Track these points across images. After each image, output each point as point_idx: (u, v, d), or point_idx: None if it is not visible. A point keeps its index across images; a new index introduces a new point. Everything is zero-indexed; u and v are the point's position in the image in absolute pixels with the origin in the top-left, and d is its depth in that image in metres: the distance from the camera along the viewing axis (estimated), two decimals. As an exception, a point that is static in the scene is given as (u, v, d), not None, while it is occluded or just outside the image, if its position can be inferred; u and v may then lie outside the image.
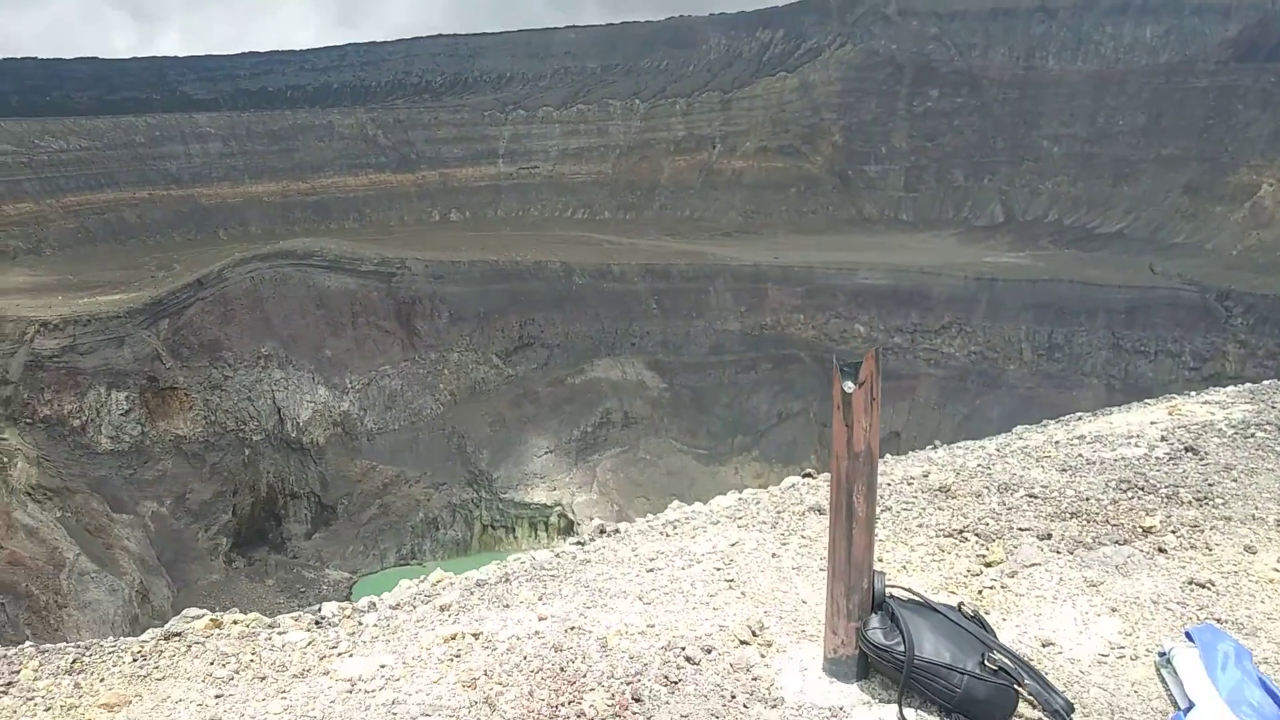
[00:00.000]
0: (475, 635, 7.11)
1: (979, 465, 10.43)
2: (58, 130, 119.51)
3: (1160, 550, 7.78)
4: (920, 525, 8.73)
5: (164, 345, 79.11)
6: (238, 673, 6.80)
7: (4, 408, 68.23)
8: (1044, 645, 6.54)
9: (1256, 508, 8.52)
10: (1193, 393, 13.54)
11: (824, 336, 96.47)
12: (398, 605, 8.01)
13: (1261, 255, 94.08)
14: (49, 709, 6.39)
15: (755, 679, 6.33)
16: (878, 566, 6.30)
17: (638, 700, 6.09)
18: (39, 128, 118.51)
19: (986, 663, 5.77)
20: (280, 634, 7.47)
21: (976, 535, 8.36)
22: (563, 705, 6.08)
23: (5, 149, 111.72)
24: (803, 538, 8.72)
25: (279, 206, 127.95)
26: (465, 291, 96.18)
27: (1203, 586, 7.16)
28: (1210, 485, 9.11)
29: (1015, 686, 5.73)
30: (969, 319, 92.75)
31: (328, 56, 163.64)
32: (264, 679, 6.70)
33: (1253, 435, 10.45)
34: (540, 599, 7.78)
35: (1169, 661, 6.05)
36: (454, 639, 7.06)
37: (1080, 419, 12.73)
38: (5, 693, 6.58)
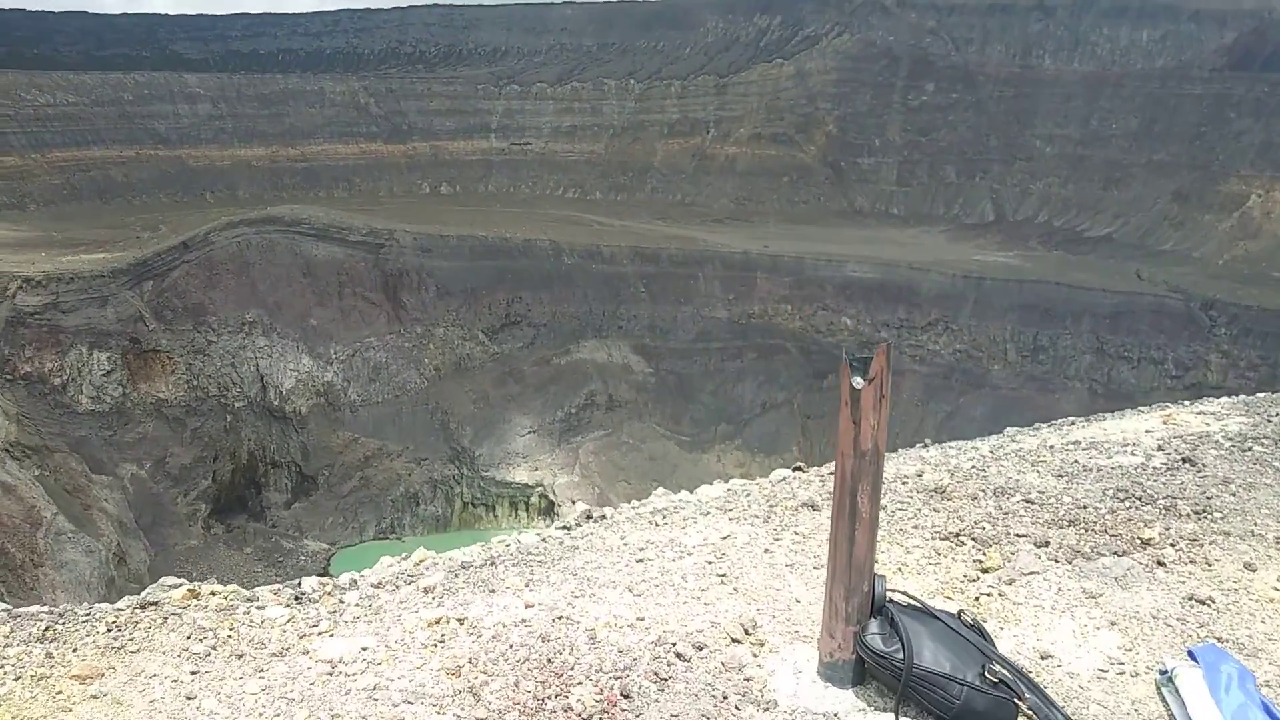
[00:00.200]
0: (460, 620, 6.95)
1: (973, 467, 10.32)
2: (45, 84, 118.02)
3: (1159, 563, 7.69)
4: (915, 527, 8.61)
5: (147, 307, 78.39)
6: (215, 648, 6.63)
7: (-17, 363, 67.59)
8: (1042, 657, 6.42)
9: (1255, 524, 8.44)
10: (1186, 402, 13.49)
11: (811, 328, 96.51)
12: (380, 584, 7.83)
13: (1247, 266, 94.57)
14: (19, 678, 6.20)
15: (748, 680, 6.18)
16: (875, 569, 6.16)
17: (626, 696, 5.95)
18: (25, 80, 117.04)
19: (987, 674, 5.63)
20: (259, 608, 7.30)
21: (973, 540, 8.24)
22: (549, 699, 5.92)
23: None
24: (796, 534, 8.58)
25: (267, 172, 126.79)
26: (453, 266, 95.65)
27: (1203, 603, 7.06)
28: (1209, 498, 9.02)
29: (1015, 700, 5.59)
30: (956, 317, 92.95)
31: (321, 21, 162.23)
32: (242, 656, 6.53)
33: (1250, 449, 10.38)
34: (527, 585, 7.62)
35: (1171, 680, 5.94)
36: (438, 623, 6.90)
37: (1073, 424, 12.64)
38: (-26, 660, 6.38)
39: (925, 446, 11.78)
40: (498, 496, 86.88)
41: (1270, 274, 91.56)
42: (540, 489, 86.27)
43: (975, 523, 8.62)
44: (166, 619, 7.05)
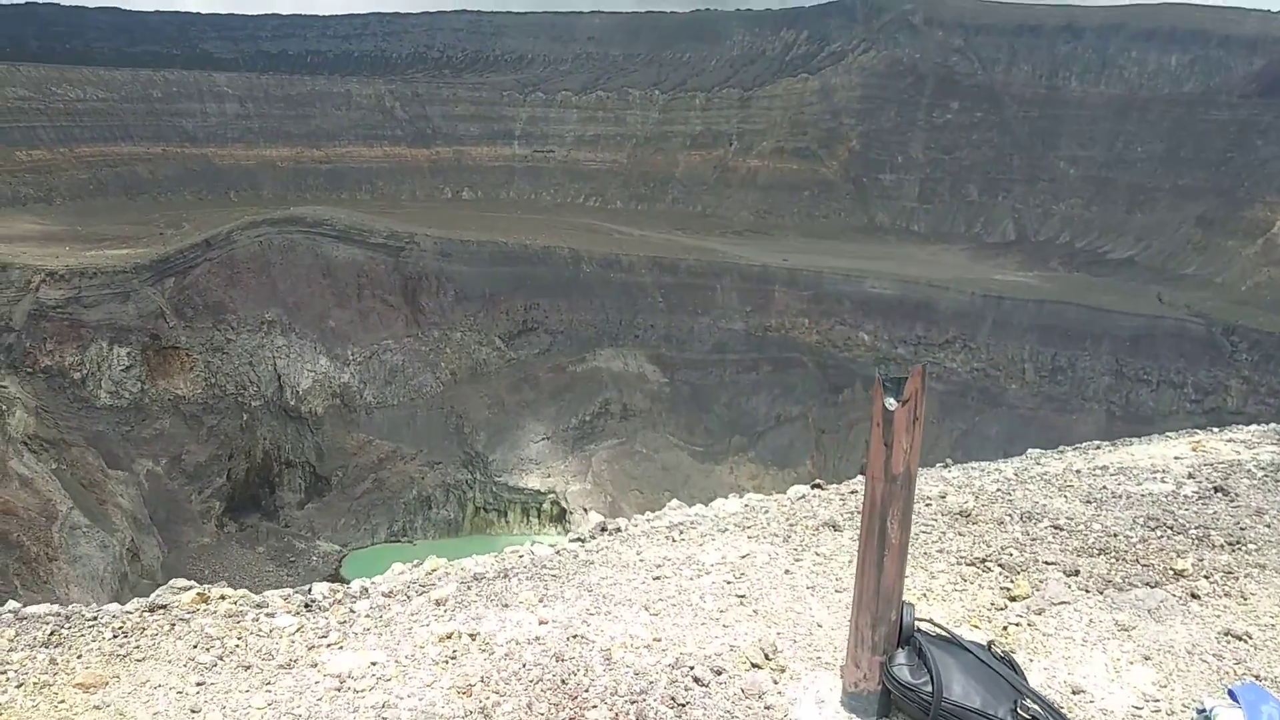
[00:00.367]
0: (472, 636, 6.78)
1: (998, 490, 10.08)
2: (75, 79, 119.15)
3: (1193, 596, 7.43)
4: (941, 551, 8.38)
5: (168, 304, 78.76)
6: (222, 659, 6.50)
7: (5, 355, 67.94)
8: (1074, 692, 6.18)
9: (1292, 557, 8.17)
10: (1215, 429, 13.21)
11: (828, 342, 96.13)
12: (391, 593, 7.69)
13: (1270, 292, 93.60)
14: (21, 685, 6.07)
15: (768, 708, 5.97)
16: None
17: (642, 721, 5.75)
18: (57, 75, 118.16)
19: (1019, 710, 5.39)
20: (268, 615, 7.19)
21: (1000, 566, 8.00)
22: (563, 722, 5.74)
23: (22, 94, 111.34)
24: (817, 554, 8.37)
25: (292, 172, 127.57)
26: (472, 271, 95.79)
27: (1239, 639, 6.81)
28: (1242, 529, 8.76)
29: (1048, 738, 5.36)
30: (974, 335, 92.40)
31: (350, 24, 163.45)
32: (249, 668, 6.39)
33: (1284, 480, 10.10)
34: (541, 600, 7.45)
35: (1210, 720, 5.70)
36: (449, 638, 6.75)
37: (1099, 448, 12.38)
38: (-23, 664, 6.26)
39: (946, 466, 11.56)
40: (510, 502, 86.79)
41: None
42: (552, 496, 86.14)
43: (1002, 548, 8.39)
44: (174, 625, 6.94)
